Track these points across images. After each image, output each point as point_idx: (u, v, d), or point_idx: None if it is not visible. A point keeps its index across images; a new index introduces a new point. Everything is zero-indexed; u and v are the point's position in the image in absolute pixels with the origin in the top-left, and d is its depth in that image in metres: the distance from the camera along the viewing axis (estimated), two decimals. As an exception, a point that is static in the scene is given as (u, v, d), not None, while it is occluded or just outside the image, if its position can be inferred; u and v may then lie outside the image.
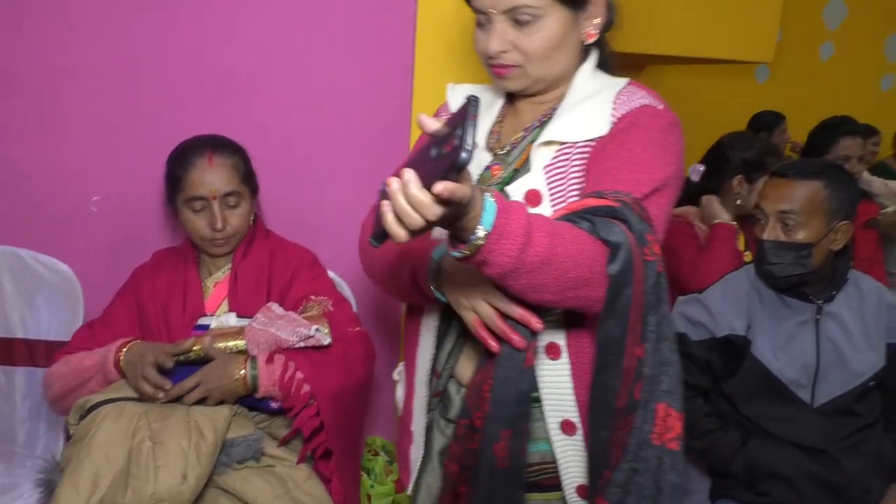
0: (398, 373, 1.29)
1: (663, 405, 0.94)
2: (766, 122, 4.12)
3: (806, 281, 1.51)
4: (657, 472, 0.94)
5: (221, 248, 1.56)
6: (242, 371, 1.36)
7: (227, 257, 1.59)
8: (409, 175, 0.74)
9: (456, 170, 0.72)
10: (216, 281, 1.58)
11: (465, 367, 1.09)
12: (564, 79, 1.11)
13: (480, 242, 0.79)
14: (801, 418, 1.52)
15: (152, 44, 1.76)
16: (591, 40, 1.10)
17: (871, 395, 1.54)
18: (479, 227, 0.79)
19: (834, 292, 1.55)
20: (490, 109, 1.19)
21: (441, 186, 0.71)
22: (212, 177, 1.50)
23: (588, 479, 0.99)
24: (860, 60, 4.56)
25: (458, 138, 0.71)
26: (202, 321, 1.53)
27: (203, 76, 1.80)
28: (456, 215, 0.77)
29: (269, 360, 1.37)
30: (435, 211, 0.73)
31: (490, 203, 0.80)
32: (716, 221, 2.02)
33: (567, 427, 1.03)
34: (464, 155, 0.70)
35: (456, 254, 0.82)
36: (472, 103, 0.73)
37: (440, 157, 0.75)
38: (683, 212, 2.15)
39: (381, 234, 0.78)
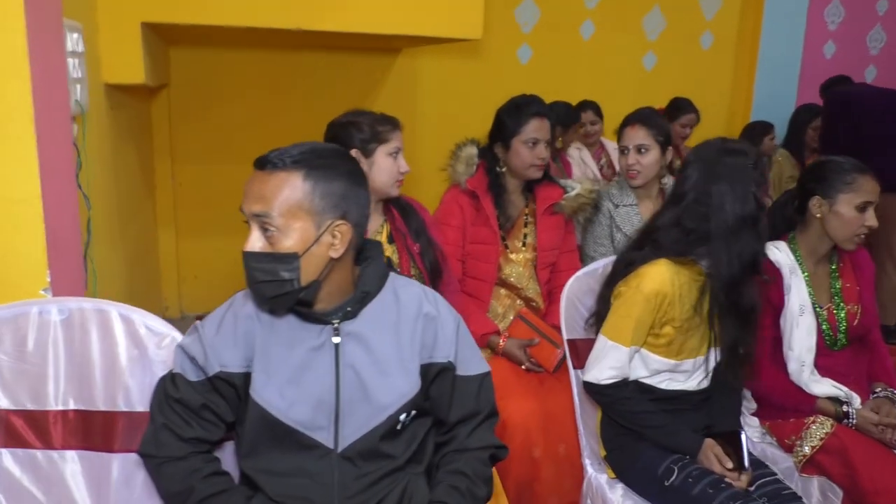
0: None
1: None
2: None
3: (307, 300, 1.21)
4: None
5: None
6: None
7: None
8: None
9: None
10: None
11: None
12: None
13: None
14: (318, 468, 1.22)
15: None
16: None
17: (407, 432, 1.28)
18: None
19: (351, 308, 1.25)
20: None
21: None
22: None
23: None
24: (621, 39, 4.52)
25: None
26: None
27: None
28: None
29: None
30: None
31: None
32: None
33: None
34: None
35: None
36: None
37: None
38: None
39: None
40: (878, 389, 1.95)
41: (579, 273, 1.90)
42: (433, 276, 1.97)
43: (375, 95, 4.07)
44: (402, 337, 1.27)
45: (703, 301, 1.67)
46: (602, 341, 1.71)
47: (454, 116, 3.90)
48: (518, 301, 2.24)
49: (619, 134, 2.46)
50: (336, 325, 1.24)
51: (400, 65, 4.09)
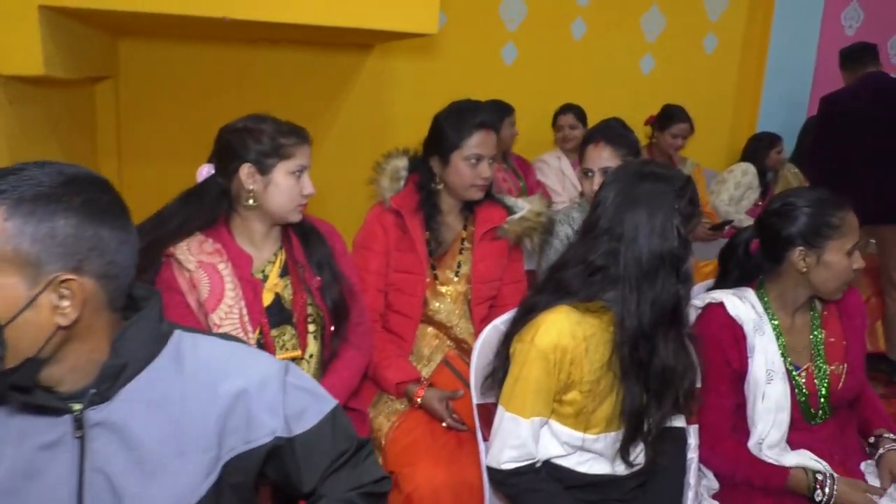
0: None
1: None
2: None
3: (24, 384, 0.88)
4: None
5: None
6: None
7: None
8: None
9: None
10: None
11: None
12: None
13: None
14: None
15: None
16: None
17: None
18: None
19: (99, 389, 0.91)
20: None
21: None
22: None
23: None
24: (616, 40, 4.16)
25: None
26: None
27: None
28: None
29: None
30: None
31: None
32: None
33: None
34: None
35: None
36: None
37: None
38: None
39: None
40: (884, 435, 1.62)
41: (497, 321, 1.58)
42: (336, 316, 1.65)
43: (345, 96, 3.77)
44: (185, 423, 0.94)
45: (619, 358, 1.34)
46: (499, 413, 1.38)
47: (430, 121, 3.59)
48: (448, 342, 1.92)
49: (581, 154, 2.11)
50: (77, 413, 0.91)
51: (372, 64, 3.78)
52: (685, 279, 1.35)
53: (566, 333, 1.31)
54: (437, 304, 1.90)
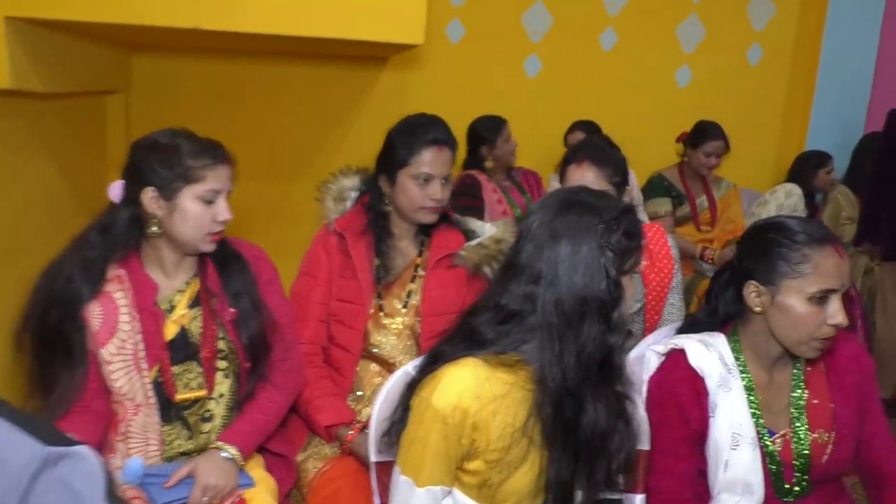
0: None
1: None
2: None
3: None
4: None
5: None
6: None
7: None
8: None
9: None
10: None
11: None
12: None
13: None
14: None
15: None
16: None
17: None
18: None
19: None
20: None
21: None
22: None
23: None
24: (649, 51, 3.90)
25: None
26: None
27: None
28: None
29: None
30: None
31: None
32: None
33: None
34: None
35: None
36: None
37: None
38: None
39: None
40: None
41: (409, 365, 1.39)
42: (253, 352, 1.50)
43: (357, 111, 3.65)
44: None
45: (538, 421, 1.13)
46: (395, 475, 1.19)
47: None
48: (392, 380, 1.73)
49: (562, 174, 1.90)
50: None
51: (387, 78, 3.66)
52: (616, 327, 1.13)
53: (469, 393, 1.11)
54: (380, 338, 1.73)
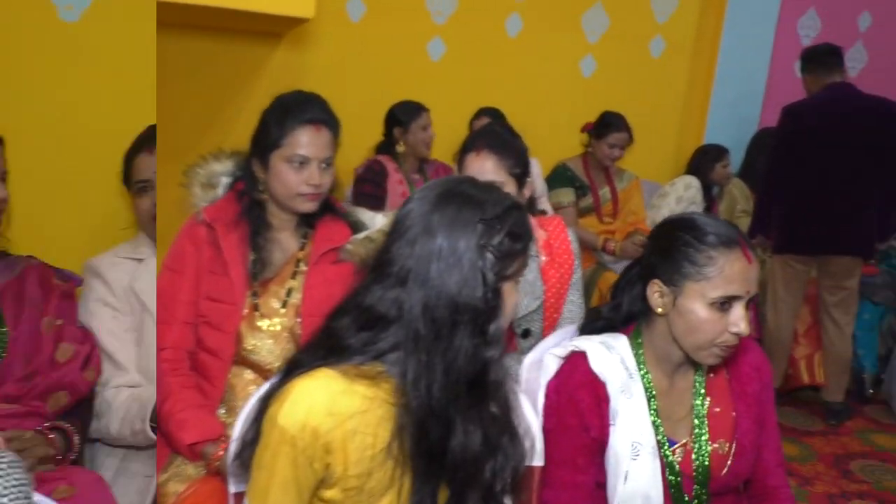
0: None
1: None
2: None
3: None
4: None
5: None
6: None
7: None
8: None
9: None
10: None
11: None
12: None
13: None
14: None
15: None
16: None
17: None
18: None
19: None
20: None
21: None
22: None
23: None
24: (555, 39, 3.83)
25: None
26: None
27: None
28: None
29: None
30: None
31: None
32: None
33: None
34: None
35: None
36: None
37: None
38: None
39: None
40: None
41: (274, 379, 1.22)
42: None
43: (248, 93, 3.38)
44: None
45: (403, 442, 0.99)
46: None
47: (347, 121, 3.22)
48: (269, 387, 1.56)
49: (460, 163, 1.76)
50: None
51: (281, 56, 3.42)
52: (493, 340, 1.00)
53: (320, 409, 0.96)
54: (255, 342, 1.54)
